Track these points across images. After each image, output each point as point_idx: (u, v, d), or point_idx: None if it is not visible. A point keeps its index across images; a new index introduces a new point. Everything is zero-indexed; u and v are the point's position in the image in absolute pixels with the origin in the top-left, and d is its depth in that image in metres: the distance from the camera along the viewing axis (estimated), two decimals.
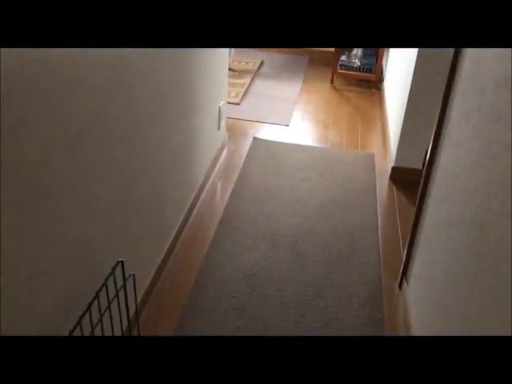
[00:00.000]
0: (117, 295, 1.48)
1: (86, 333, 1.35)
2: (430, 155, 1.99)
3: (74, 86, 1.26)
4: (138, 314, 1.70)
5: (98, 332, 1.41)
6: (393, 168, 3.09)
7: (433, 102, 1.96)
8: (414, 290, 2.06)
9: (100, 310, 1.40)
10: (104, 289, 1.44)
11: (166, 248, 2.29)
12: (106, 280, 1.43)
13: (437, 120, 1.93)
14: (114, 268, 1.46)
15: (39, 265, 1.22)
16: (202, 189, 2.82)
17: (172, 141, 2.16)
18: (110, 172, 1.56)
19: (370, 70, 4.45)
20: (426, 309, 1.84)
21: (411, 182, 2.89)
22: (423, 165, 2.11)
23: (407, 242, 2.19)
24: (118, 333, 1.58)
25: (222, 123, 3.15)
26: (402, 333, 2.04)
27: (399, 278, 2.25)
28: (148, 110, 1.81)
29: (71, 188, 1.33)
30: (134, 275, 1.56)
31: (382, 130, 3.76)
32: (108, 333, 1.50)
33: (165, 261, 2.28)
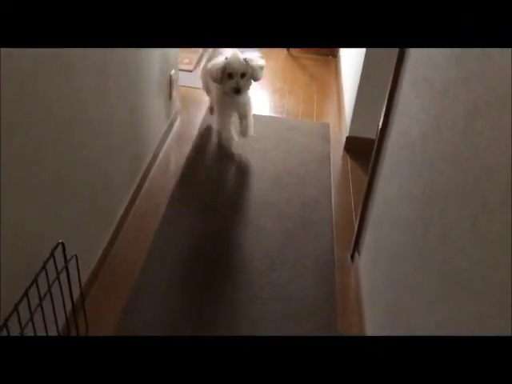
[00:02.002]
0: (58, 278, 1.42)
1: (24, 320, 1.28)
2: (382, 126, 1.97)
3: (5, 59, 1.16)
4: (83, 295, 1.64)
5: (37, 318, 1.35)
6: (347, 138, 3.08)
7: (388, 71, 1.92)
8: (365, 261, 2.08)
9: (40, 294, 1.34)
10: (44, 273, 1.37)
11: (115, 224, 2.22)
12: (45, 263, 1.36)
13: (388, 90, 1.91)
14: (53, 250, 1.39)
15: None
16: (153, 161, 2.74)
17: (117, 113, 2.06)
18: (47, 149, 1.47)
19: None
20: (376, 280, 1.86)
21: (365, 152, 2.86)
22: (377, 135, 2.09)
23: (359, 213, 2.19)
24: (61, 316, 1.52)
25: (174, 92, 3.05)
26: (353, 305, 2.06)
27: (351, 250, 2.26)
28: (88, 81, 1.71)
29: (4, 167, 1.24)
30: (76, 256, 1.50)
31: (337, 99, 3.74)
32: (50, 317, 1.44)
33: (114, 237, 2.21)
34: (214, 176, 2.77)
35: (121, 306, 1.95)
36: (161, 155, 2.85)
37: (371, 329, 1.81)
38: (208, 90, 3.08)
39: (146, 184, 2.62)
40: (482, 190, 1.00)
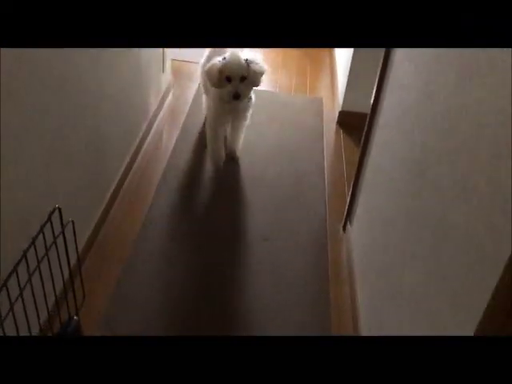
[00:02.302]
0: (55, 242, 1.43)
1: (23, 281, 1.30)
2: (375, 99, 1.99)
3: None
4: (79, 261, 1.66)
5: (35, 280, 1.37)
6: (340, 112, 3.10)
7: None
8: (356, 231, 2.11)
9: (37, 258, 1.36)
10: (41, 237, 1.38)
11: (108, 194, 2.23)
12: (43, 227, 1.37)
13: (381, 62, 1.92)
14: (50, 214, 1.40)
15: None
16: (146, 134, 2.74)
17: (111, 84, 2.06)
18: (43, 116, 1.48)
19: None
20: (367, 248, 1.90)
21: (358, 126, 2.88)
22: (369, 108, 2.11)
23: (351, 185, 2.22)
24: (58, 282, 1.54)
25: (167, 65, 3.03)
26: (344, 274, 2.10)
27: (343, 221, 2.30)
28: (82, 52, 1.70)
29: (3, 133, 1.24)
30: (73, 222, 1.51)
31: (330, 73, 3.74)
32: (48, 281, 1.46)
33: (108, 207, 2.23)
34: (206, 150, 2.77)
35: (116, 275, 1.97)
36: (154, 127, 2.85)
37: (362, 296, 1.86)
38: (208, 92, 2.65)
39: (140, 156, 2.62)
40: (473, 147, 1.03)
